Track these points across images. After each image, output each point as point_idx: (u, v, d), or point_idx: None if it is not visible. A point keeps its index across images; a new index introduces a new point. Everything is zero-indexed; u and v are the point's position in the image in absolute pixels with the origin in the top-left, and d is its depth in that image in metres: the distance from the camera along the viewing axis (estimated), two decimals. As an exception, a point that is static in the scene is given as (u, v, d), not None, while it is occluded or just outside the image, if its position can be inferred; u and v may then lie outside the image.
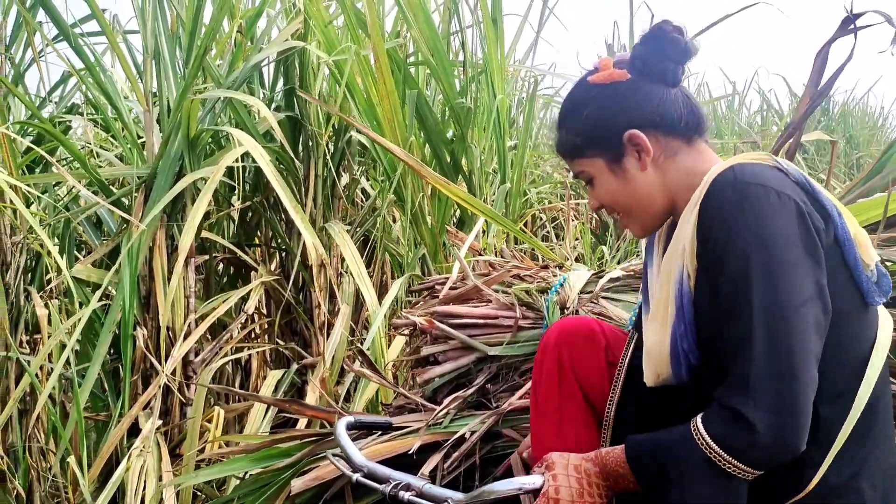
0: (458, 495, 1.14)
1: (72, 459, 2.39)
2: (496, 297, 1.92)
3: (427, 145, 3.03)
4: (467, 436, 1.67)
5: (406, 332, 2.02)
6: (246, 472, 1.96)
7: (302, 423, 2.59)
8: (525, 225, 4.17)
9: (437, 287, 2.17)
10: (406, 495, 1.19)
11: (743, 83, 10.45)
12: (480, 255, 2.35)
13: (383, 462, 1.66)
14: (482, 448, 1.67)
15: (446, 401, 1.76)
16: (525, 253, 2.86)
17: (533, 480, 1.11)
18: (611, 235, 4.07)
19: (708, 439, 1.01)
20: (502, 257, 2.30)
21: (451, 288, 2.09)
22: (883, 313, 1.17)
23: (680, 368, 1.15)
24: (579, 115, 1.24)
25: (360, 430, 1.73)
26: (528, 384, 1.69)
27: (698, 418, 1.03)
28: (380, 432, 1.71)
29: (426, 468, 1.63)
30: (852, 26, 1.63)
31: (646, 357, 1.22)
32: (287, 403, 2.12)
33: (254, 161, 2.59)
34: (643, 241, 1.55)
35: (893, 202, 1.52)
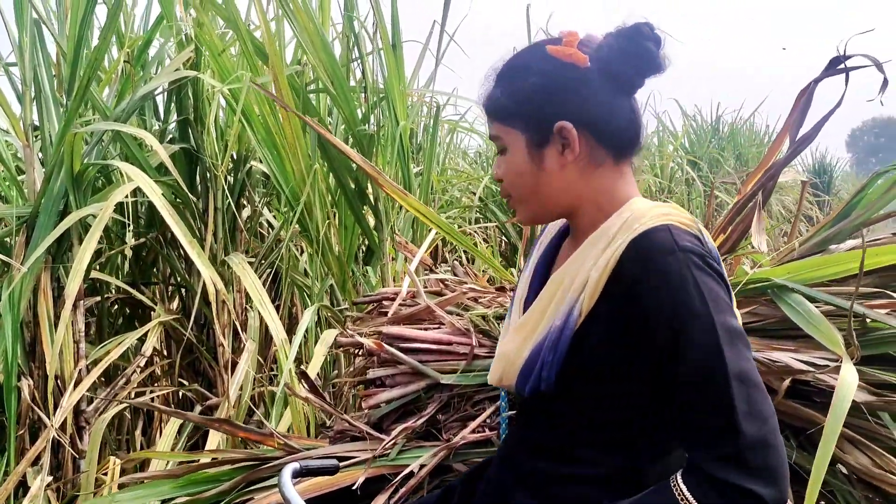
0: None
1: (-50, 526, 2.19)
2: (450, 320, 1.81)
3: (331, 174, 2.98)
4: (416, 470, 1.58)
5: (352, 351, 1.91)
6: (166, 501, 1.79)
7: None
8: (434, 250, 4.15)
9: (384, 302, 2.04)
10: None
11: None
12: (434, 271, 2.24)
13: (324, 497, 1.56)
14: (431, 482, 1.59)
15: (394, 431, 1.66)
16: (479, 270, 2.79)
17: None
18: (519, 257, 4.10)
19: None
20: (455, 274, 2.18)
21: (401, 304, 1.96)
22: (847, 369, 1.20)
23: (524, 386, 1.13)
24: (522, 79, 1.13)
25: (306, 477, 1.55)
26: (481, 415, 1.63)
27: (690, 498, 0.98)
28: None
29: None
30: (842, 66, 1.62)
31: (499, 357, 1.20)
32: (217, 423, 1.95)
33: (147, 196, 2.46)
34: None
35: (871, 256, 1.48)
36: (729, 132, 9.86)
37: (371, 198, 3.02)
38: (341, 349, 1.92)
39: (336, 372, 3.03)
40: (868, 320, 1.44)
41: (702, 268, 1.02)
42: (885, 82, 1.60)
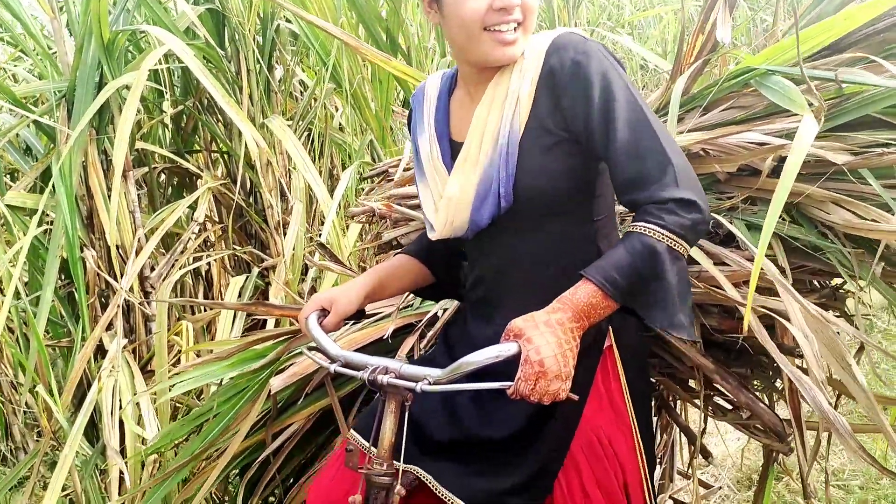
0: (436, 372, 1.13)
1: (40, 388, 2.35)
2: None
3: (360, 25, 2.89)
4: (440, 314, 1.66)
5: (364, 219, 1.97)
6: (222, 379, 1.94)
7: (272, 324, 2.58)
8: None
9: (389, 171, 2.09)
10: (385, 378, 1.18)
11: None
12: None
13: (359, 350, 1.66)
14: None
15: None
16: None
17: (508, 348, 1.09)
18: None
19: (673, 236, 1.12)
20: None
21: (405, 169, 2.00)
22: (807, 121, 1.27)
23: (482, 214, 1.24)
24: None
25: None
26: None
27: (651, 226, 1.12)
28: (352, 322, 1.68)
29: (402, 350, 1.63)
30: None
31: (445, 205, 1.27)
32: (252, 306, 2.07)
33: (179, 61, 2.44)
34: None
35: (843, 19, 1.47)
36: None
37: (403, 47, 2.95)
38: (353, 219, 1.96)
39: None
40: (844, 85, 1.43)
41: (609, 51, 1.20)
42: None
